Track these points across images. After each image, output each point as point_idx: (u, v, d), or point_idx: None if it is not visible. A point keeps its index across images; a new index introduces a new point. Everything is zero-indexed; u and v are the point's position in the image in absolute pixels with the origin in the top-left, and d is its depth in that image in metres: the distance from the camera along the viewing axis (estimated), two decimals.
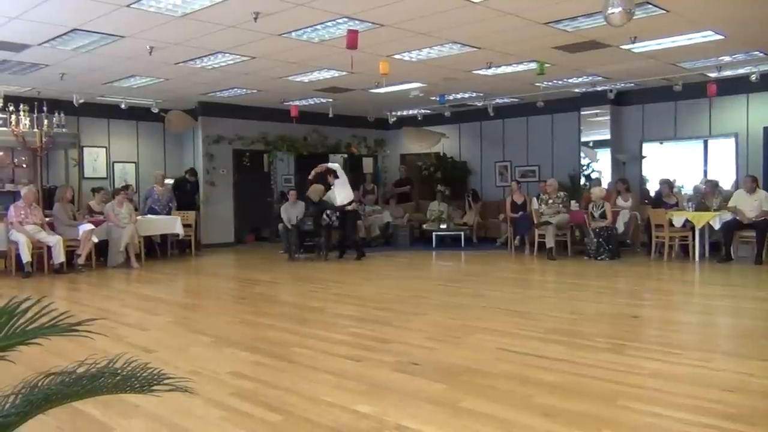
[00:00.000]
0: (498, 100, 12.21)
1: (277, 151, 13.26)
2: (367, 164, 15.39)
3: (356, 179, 13.96)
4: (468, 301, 6.34)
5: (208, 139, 12.54)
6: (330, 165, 10.40)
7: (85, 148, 11.93)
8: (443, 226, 11.87)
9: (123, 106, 11.30)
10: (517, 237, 10.53)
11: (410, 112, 13.72)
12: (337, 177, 10.09)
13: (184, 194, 11.78)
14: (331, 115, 12.55)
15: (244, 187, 12.99)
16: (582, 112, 12.05)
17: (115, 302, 6.74)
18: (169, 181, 12.01)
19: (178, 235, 10.79)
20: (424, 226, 12.26)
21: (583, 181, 11.76)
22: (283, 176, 14.50)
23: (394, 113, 13.66)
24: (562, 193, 10.40)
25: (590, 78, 10.30)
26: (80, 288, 7.93)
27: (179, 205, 11.50)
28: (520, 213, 10.71)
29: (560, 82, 10.57)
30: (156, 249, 10.90)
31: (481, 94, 11.70)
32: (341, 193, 9.98)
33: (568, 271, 8.68)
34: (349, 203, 9.93)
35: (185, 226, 11.04)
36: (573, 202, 10.52)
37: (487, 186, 13.81)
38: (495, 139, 13.70)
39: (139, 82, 10.03)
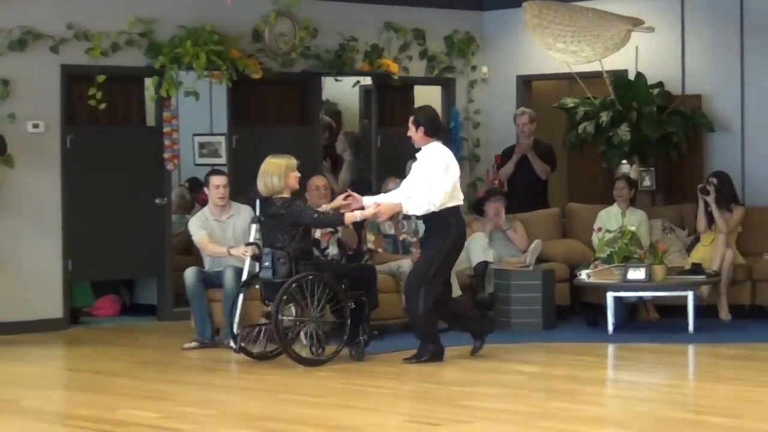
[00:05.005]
0: None
1: (179, 70, 12.94)
2: (428, 104, 13.96)
3: (398, 150, 13.86)
4: None
5: None
6: None
7: None
8: (637, 275, 11.51)
9: None
10: None
11: None
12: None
13: None
14: None
15: (91, 169, 12.84)
16: None
17: None
18: None
19: None
20: (582, 274, 11.93)
21: None
22: (197, 137, 14.34)
23: None
24: None
25: None
26: None
27: None
28: None
29: None
30: None
31: None
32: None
33: None
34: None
35: None
36: None
37: (760, 165, 13.52)
38: None
39: None
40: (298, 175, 10.61)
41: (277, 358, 10.34)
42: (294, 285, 10.19)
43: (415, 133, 10.36)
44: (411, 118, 10.52)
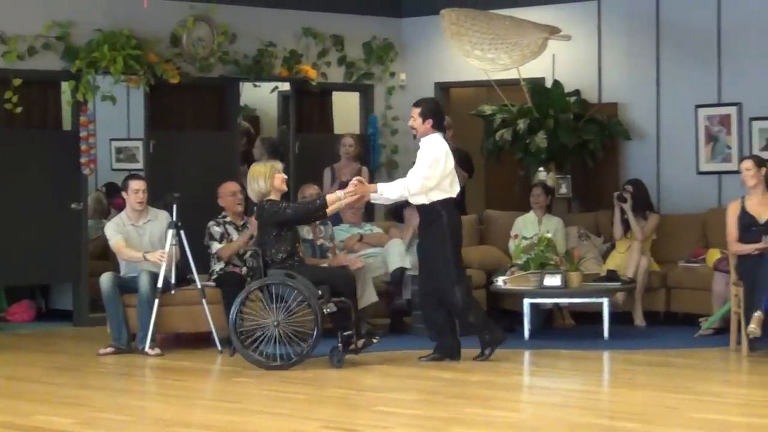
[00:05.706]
0: None
1: (96, 75, 12.99)
2: (348, 113, 15.21)
3: (316, 156, 14.37)
4: None
5: None
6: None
7: None
8: (552, 282, 11.69)
9: None
10: (757, 312, 10.52)
11: None
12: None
13: None
14: None
15: (6, 172, 12.93)
16: None
17: None
18: None
19: None
20: (499, 280, 12.04)
21: None
22: (114, 142, 14.36)
23: None
24: None
25: None
26: None
27: None
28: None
29: None
30: None
31: None
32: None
33: None
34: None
35: None
36: None
37: (675, 173, 13.68)
38: (695, 43, 13.57)
39: None
40: (285, 176, 10.75)
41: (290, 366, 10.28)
42: (252, 291, 10.33)
43: (421, 125, 10.41)
44: (417, 110, 10.54)
